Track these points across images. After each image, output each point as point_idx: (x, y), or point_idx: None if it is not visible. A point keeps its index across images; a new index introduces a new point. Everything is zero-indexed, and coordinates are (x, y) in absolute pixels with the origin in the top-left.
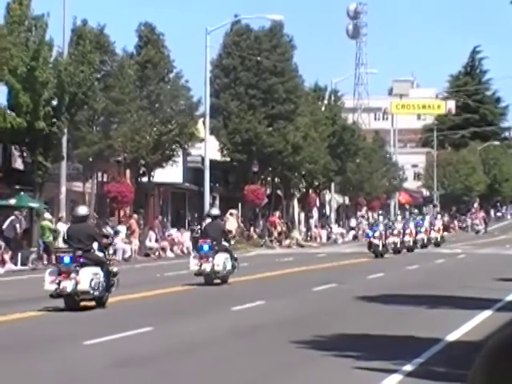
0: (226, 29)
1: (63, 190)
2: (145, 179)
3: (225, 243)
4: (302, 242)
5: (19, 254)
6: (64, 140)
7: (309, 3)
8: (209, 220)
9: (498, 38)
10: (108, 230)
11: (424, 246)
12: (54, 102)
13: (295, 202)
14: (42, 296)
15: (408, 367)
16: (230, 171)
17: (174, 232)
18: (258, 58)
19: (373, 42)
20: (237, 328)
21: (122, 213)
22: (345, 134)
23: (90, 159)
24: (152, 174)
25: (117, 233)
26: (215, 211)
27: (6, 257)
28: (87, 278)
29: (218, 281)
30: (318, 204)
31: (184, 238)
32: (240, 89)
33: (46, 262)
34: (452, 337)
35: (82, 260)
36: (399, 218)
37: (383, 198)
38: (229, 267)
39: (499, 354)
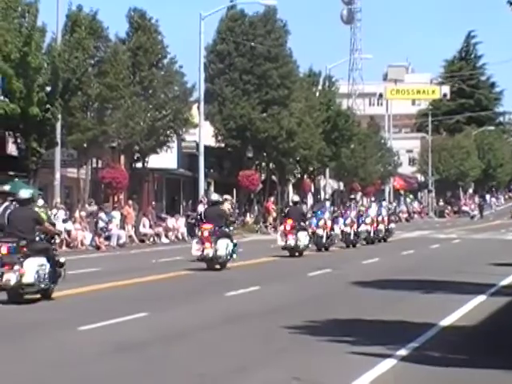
0: (220, 14)
1: (57, 176)
2: (139, 165)
3: (302, 223)
4: None
5: None
6: (58, 126)
7: None
8: (291, 205)
9: (492, 23)
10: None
11: (371, 241)
12: (48, 88)
13: (290, 188)
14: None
15: (402, 352)
16: (224, 157)
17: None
18: (252, 44)
19: (367, 27)
20: (231, 313)
21: (116, 198)
22: (339, 119)
23: (85, 145)
24: (146, 159)
25: (111, 219)
26: (296, 198)
27: None
28: (223, 246)
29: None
30: (312, 189)
31: (179, 224)
32: (234, 74)
33: None
34: (446, 322)
35: (217, 233)
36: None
37: (378, 184)
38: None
39: None
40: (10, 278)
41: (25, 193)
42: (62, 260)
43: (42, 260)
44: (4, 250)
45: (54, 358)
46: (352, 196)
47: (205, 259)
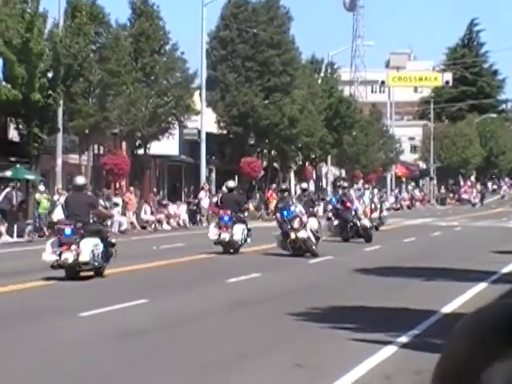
0: (223, 0)
1: (59, 162)
2: (141, 152)
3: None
4: None
5: (15, 226)
6: (60, 112)
7: None
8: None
9: (495, 11)
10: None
11: (362, 232)
12: (50, 74)
13: (292, 175)
14: (39, 268)
15: (403, 339)
16: (226, 144)
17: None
18: (255, 30)
19: (370, 14)
20: (232, 300)
21: (117, 185)
22: (341, 106)
23: (86, 131)
24: (148, 146)
25: (116, 205)
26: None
27: (2, 229)
28: (239, 231)
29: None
30: (314, 177)
31: (180, 210)
32: (237, 61)
33: (43, 234)
34: (447, 309)
35: (234, 219)
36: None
37: (380, 171)
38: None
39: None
40: (68, 256)
41: (80, 179)
42: (113, 241)
43: (97, 240)
44: (68, 231)
45: (54, 343)
46: (340, 183)
47: (221, 243)
